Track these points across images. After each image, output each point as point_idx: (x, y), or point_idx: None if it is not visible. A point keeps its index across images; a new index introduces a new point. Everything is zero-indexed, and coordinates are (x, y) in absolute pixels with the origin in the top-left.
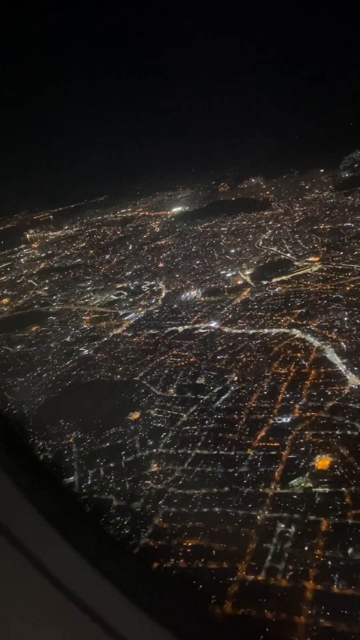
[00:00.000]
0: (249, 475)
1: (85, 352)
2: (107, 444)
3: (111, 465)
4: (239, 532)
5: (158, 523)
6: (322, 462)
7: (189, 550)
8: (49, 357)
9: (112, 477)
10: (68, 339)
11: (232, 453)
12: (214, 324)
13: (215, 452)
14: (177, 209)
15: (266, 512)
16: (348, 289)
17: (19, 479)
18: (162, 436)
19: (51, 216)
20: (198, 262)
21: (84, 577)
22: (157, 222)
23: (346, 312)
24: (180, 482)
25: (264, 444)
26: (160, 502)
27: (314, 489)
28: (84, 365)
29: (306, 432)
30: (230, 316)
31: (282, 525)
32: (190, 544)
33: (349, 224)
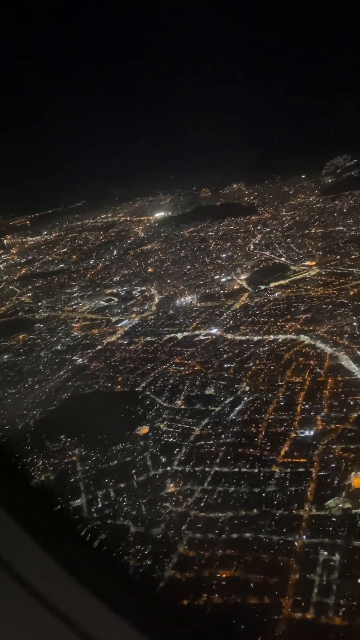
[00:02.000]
0: (278, 495)
1: (80, 361)
2: (115, 462)
3: (122, 485)
4: (276, 561)
5: (183, 551)
6: (359, 479)
7: (223, 583)
8: (40, 366)
9: (125, 499)
10: (59, 347)
11: (256, 470)
12: (214, 331)
13: (236, 470)
14: (159, 214)
15: (304, 537)
16: (352, 293)
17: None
18: (175, 452)
19: (28, 222)
20: (189, 267)
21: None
22: (140, 227)
23: (355, 318)
24: (203, 504)
25: (289, 459)
26: (183, 528)
27: (354, 511)
28: (79, 376)
29: (334, 446)
30: (231, 322)
31: (325, 553)
32: (223, 575)
33: (341, 228)
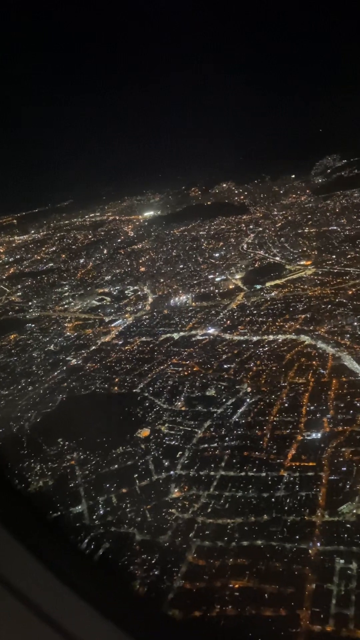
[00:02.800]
0: (288, 500)
1: (74, 361)
2: (116, 466)
3: (124, 490)
4: (290, 570)
5: (192, 560)
6: None
7: (236, 593)
8: (33, 367)
9: (128, 505)
10: (52, 347)
11: (263, 474)
12: (212, 331)
13: (243, 474)
14: (149, 213)
15: (318, 544)
16: (350, 292)
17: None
18: (178, 456)
19: (15, 220)
20: (182, 266)
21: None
22: (129, 227)
23: (355, 317)
24: (210, 510)
25: (297, 463)
26: (190, 535)
27: None
28: (74, 376)
29: (343, 449)
30: (228, 322)
31: (341, 561)
32: (236, 585)
33: (335, 228)
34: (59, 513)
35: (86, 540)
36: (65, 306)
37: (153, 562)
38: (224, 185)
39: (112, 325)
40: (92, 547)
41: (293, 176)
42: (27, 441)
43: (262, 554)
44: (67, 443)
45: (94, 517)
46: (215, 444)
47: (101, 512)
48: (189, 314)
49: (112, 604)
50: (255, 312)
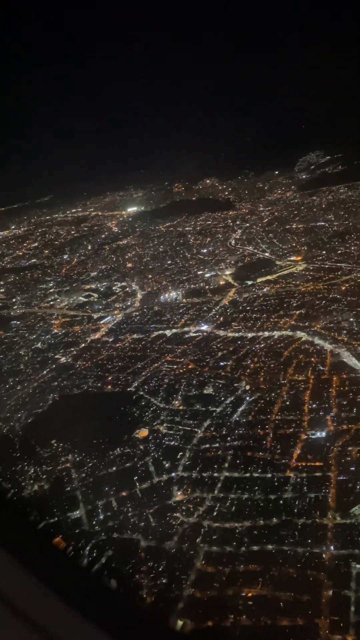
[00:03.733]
0: (297, 502)
1: (63, 359)
2: (114, 468)
3: (124, 494)
4: (305, 576)
5: (201, 567)
6: None
7: (249, 602)
8: (21, 366)
9: (130, 509)
10: (39, 345)
11: (269, 475)
12: (205, 327)
13: (247, 475)
14: (132, 209)
15: (332, 548)
16: (344, 288)
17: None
18: (179, 457)
19: None
20: (170, 262)
21: None
22: (113, 222)
23: (351, 313)
24: (216, 514)
25: (303, 463)
26: (197, 540)
27: None
28: (65, 375)
29: (350, 448)
30: (221, 318)
31: (358, 566)
32: (249, 594)
33: (323, 224)
34: (56, 519)
35: (87, 548)
36: (51, 303)
37: (160, 569)
38: (208, 181)
39: (102, 322)
40: (94, 555)
41: (277, 172)
42: (18, 443)
43: (274, 560)
44: (61, 445)
45: (94, 522)
46: (217, 444)
47: (101, 517)
48: (181, 311)
49: (118, 618)
50: (248, 308)
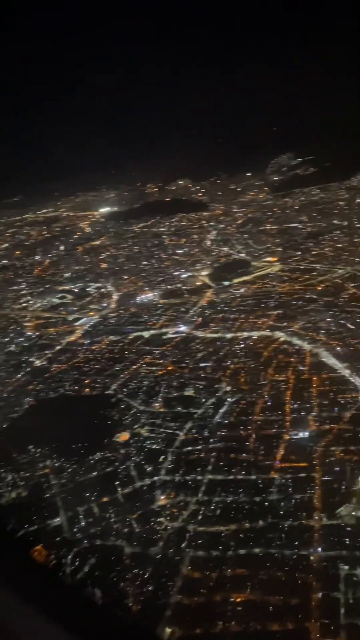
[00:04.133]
0: (282, 504)
1: (38, 362)
2: (95, 473)
3: (105, 499)
4: (293, 579)
5: (188, 573)
6: None
7: (238, 607)
8: None
9: (112, 515)
10: (12, 348)
11: (253, 477)
12: (183, 328)
13: (231, 477)
14: (105, 210)
15: (319, 550)
16: (319, 289)
17: None
18: (160, 460)
19: None
20: (145, 262)
21: None
22: (85, 223)
23: (328, 313)
24: (201, 517)
25: (287, 464)
26: (183, 545)
27: None
28: (40, 379)
29: (333, 449)
30: (199, 319)
31: (346, 567)
32: (238, 599)
33: (296, 225)
34: (36, 526)
35: (70, 557)
36: (24, 304)
37: (146, 576)
38: (181, 182)
39: (77, 324)
40: (77, 563)
41: (249, 174)
42: None
43: (262, 563)
44: (39, 450)
45: (75, 529)
46: (200, 447)
47: (83, 523)
48: (158, 312)
49: (105, 630)
50: (226, 309)
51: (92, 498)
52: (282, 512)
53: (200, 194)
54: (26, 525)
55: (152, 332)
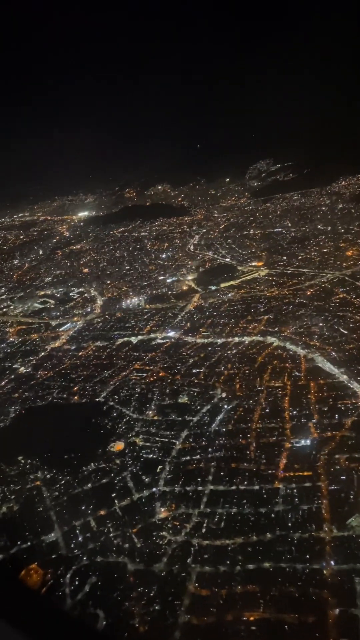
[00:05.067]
0: (290, 515)
1: (22, 369)
2: (90, 485)
3: (102, 512)
4: (307, 594)
5: (195, 590)
6: None
7: (252, 627)
8: None
9: (111, 529)
10: None
11: (257, 487)
12: (172, 333)
13: (234, 488)
14: (83, 214)
15: (332, 563)
16: (309, 293)
17: None
18: (158, 470)
19: None
20: (128, 267)
21: None
22: (64, 227)
23: (320, 318)
24: (205, 530)
25: (291, 473)
26: (188, 561)
27: None
28: (25, 386)
29: (337, 456)
30: (188, 324)
31: None
32: (251, 618)
33: (280, 230)
34: (29, 543)
35: (68, 576)
36: (4, 309)
37: (151, 595)
38: (159, 187)
39: (61, 329)
40: (76, 583)
41: (228, 179)
42: None
43: (273, 578)
44: (29, 461)
45: (72, 546)
46: (198, 456)
47: (80, 539)
48: (145, 317)
49: None
50: (215, 313)
51: (89, 511)
52: (290, 524)
53: (180, 199)
54: (19, 542)
55: (140, 337)
